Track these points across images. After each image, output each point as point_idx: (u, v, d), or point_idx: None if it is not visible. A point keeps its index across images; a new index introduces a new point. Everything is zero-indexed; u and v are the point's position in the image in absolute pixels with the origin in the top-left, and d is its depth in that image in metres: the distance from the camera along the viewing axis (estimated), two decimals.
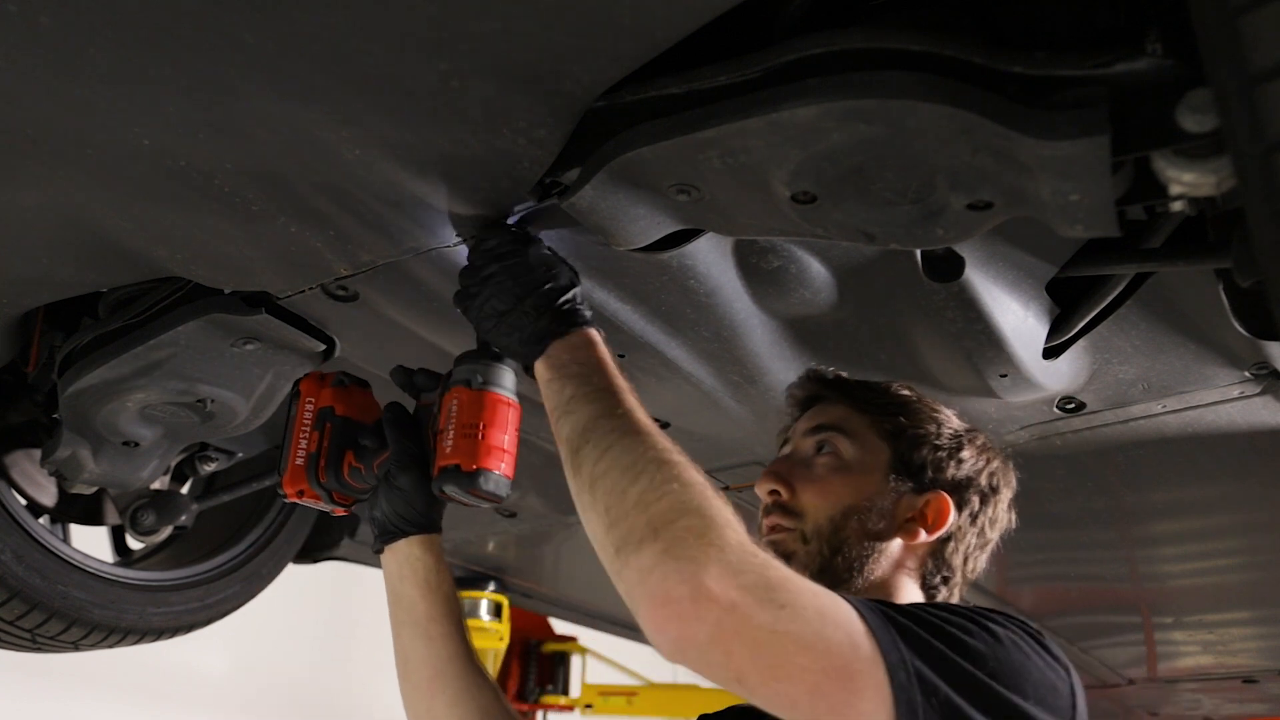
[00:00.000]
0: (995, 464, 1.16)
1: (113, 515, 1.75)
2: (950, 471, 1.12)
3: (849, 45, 0.76)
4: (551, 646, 4.55)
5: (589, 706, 4.66)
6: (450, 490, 1.08)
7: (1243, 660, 2.95)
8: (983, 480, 1.14)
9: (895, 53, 0.74)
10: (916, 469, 1.11)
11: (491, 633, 3.11)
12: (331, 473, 1.18)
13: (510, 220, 1.03)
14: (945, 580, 1.12)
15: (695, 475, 0.87)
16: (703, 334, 1.24)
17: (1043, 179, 0.74)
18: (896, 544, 1.09)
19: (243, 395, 1.35)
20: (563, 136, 0.87)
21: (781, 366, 1.33)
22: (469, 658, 1.16)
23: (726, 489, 1.76)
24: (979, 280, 1.13)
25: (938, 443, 1.13)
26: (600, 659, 4.89)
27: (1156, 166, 0.73)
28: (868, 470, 1.11)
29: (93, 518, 1.76)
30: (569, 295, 1.01)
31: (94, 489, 1.58)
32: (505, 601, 2.95)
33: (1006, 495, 1.17)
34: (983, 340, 1.20)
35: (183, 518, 1.74)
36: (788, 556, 1.08)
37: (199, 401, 1.33)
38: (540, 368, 1.00)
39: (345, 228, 1.03)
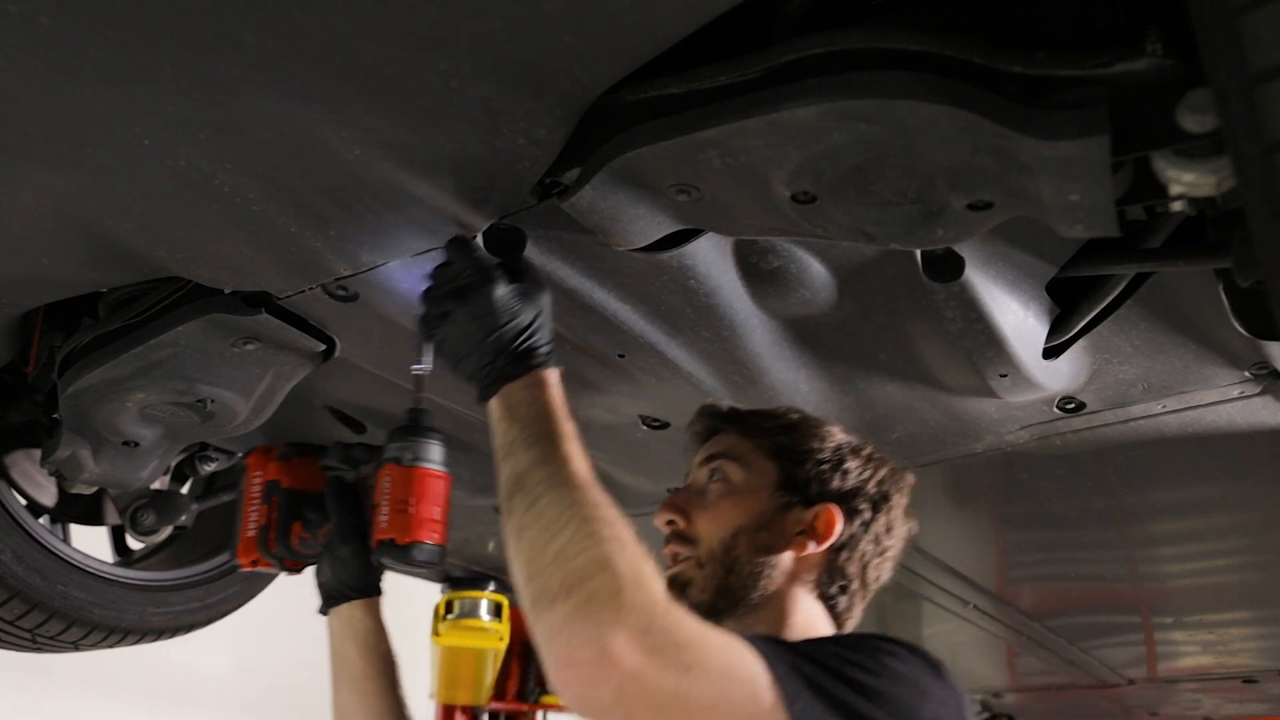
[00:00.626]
0: (883, 472, 1.20)
1: (113, 515, 1.75)
2: (836, 483, 1.16)
3: (849, 45, 0.76)
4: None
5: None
6: (386, 561, 1.18)
7: (1243, 660, 2.95)
8: (871, 488, 1.17)
9: (895, 53, 0.74)
10: (802, 484, 1.15)
11: (491, 633, 3.10)
12: (281, 543, 1.28)
13: (476, 236, 1.03)
14: (843, 589, 1.15)
15: (620, 532, 0.88)
16: (703, 334, 1.24)
17: (1043, 179, 0.74)
18: (789, 557, 1.13)
19: (243, 395, 1.35)
20: (563, 136, 0.87)
21: (781, 366, 1.33)
22: (400, 713, 1.27)
23: None
24: (979, 280, 1.13)
25: (821, 457, 1.17)
26: None
27: (1156, 166, 0.73)
28: (755, 490, 1.15)
29: (93, 518, 1.76)
30: (527, 335, 1.01)
31: (94, 489, 1.58)
32: (505, 601, 2.95)
33: (900, 501, 1.20)
34: (983, 340, 1.20)
35: (183, 518, 1.74)
36: (687, 583, 1.13)
37: (199, 401, 1.33)
38: (492, 406, 1.01)
39: (345, 228, 1.03)
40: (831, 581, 1.15)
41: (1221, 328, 1.18)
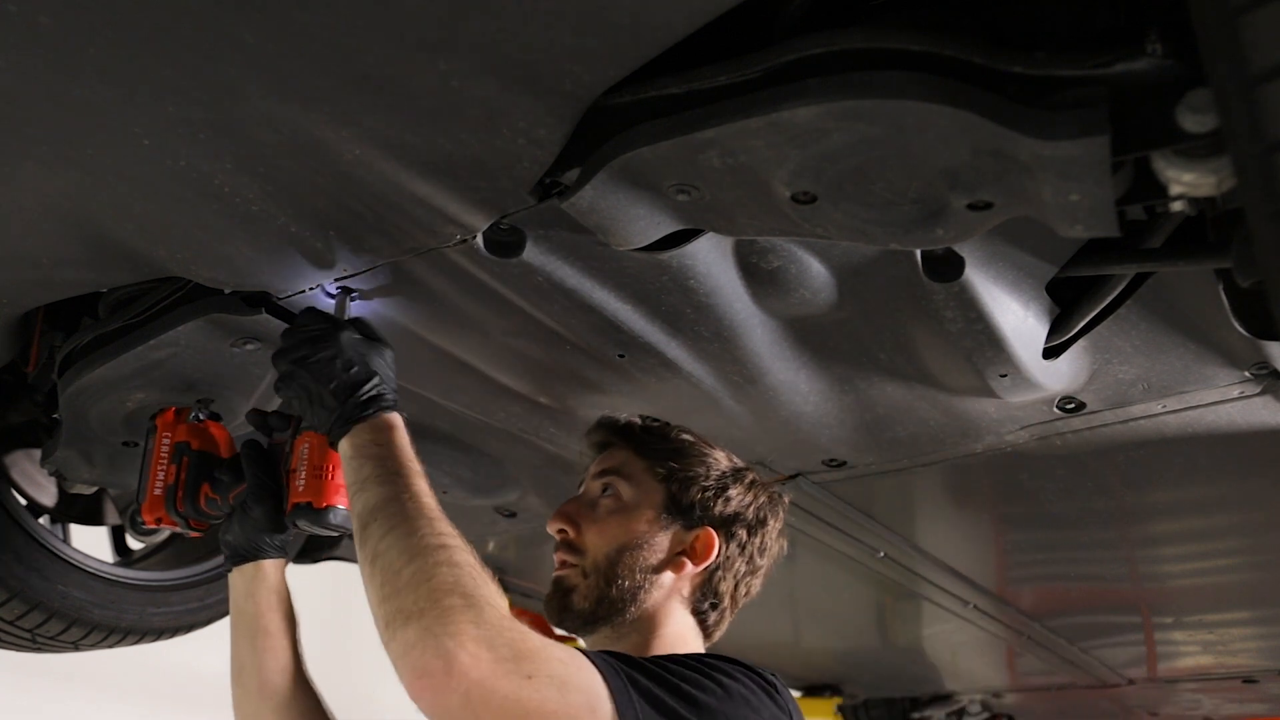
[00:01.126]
0: (762, 499, 1.29)
1: (113, 515, 1.75)
2: (718, 508, 1.25)
3: (849, 45, 0.76)
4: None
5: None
6: (302, 524, 1.22)
7: (1243, 660, 2.95)
8: (749, 514, 1.27)
9: (895, 53, 0.74)
10: (686, 508, 1.24)
11: None
12: (189, 502, 1.30)
13: (330, 286, 1.16)
14: (714, 606, 1.25)
15: (466, 557, 0.99)
16: (703, 334, 1.24)
17: (1043, 179, 0.74)
18: (668, 575, 1.22)
19: (243, 395, 1.35)
20: (563, 136, 0.87)
21: (781, 366, 1.33)
22: (298, 671, 1.29)
23: None
24: (979, 280, 1.13)
25: (705, 483, 1.26)
26: None
27: (1156, 166, 0.73)
28: (642, 509, 1.24)
29: (93, 518, 1.76)
30: (372, 383, 1.12)
31: (94, 489, 1.58)
32: (506, 601, 2.97)
33: (775, 525, 1.30)
34: (983, 340, 1.20)
35: None
36: (571, 589, 1.23)
37: (199, 401, 1.33)
38: (343, 445, 1.11)
39: (345, 228, 1.03)
40: (704, 599, 1.24)
41: (1221, 328, 1.18)
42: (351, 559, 2.36)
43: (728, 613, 1.27)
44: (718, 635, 1.28)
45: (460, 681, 0.89)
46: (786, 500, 1.35)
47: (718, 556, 1.24)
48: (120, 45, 0.77)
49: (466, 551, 1.00)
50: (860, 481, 1.70)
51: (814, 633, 3.03)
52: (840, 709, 4.06)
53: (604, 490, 1.26)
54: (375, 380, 1.12)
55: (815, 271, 1.15)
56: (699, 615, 1.25)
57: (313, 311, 1.16)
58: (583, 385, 1.39)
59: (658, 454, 1.27)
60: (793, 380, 1.36)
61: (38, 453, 1.59)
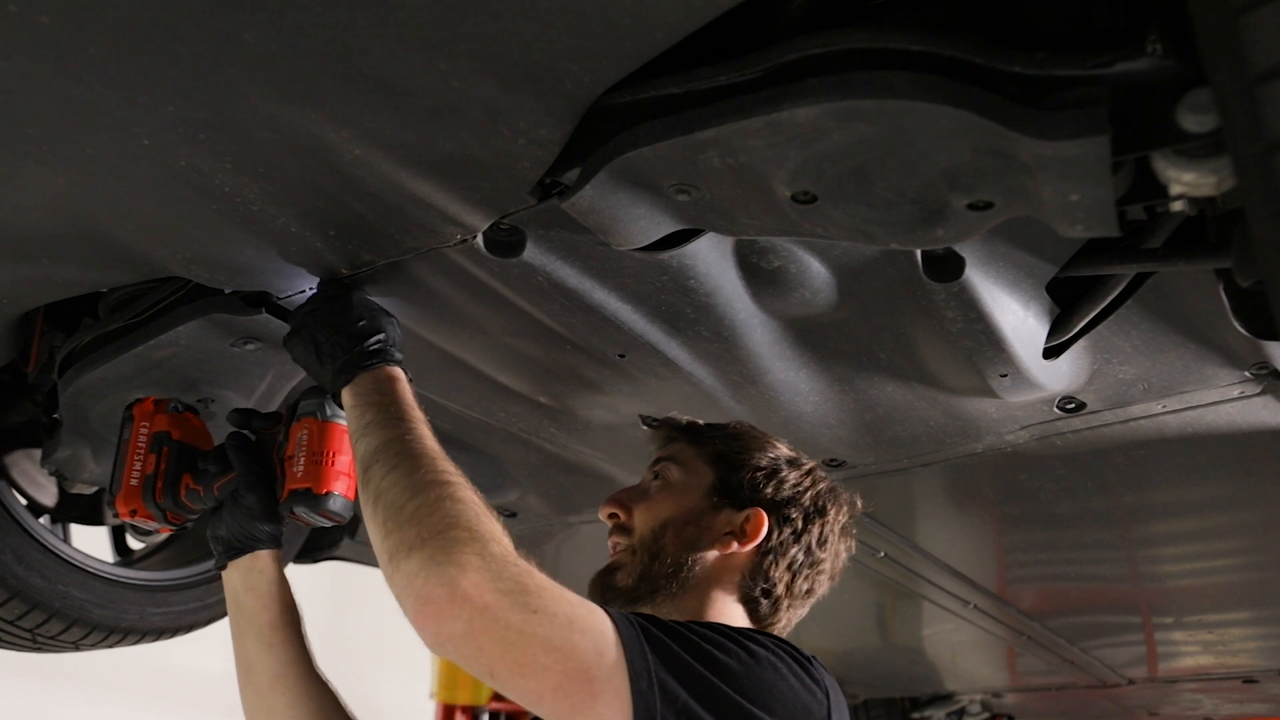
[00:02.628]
0: (822, 487, 1.27)
1: (113, 515, 1.75)
2: (769, 491, 1.24)
3: (849, 45, 0.76)
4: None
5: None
6: (300, 511, 1.20)
7: (1243, 660, 2.95)
8: (806, 500, 1.25)
9: (895, 53, 0.74)
10: (735, 488, 1.24)
11: None
12: (169, 494, 1.25)
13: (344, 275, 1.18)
14: (766, 593, 1.22)
15: (469, 495, 0.99)
16: (703, 334, 1.24)
17: (1043, 179, 0.74)
18: (714, 554, 1.21)
19: (243, 395, 1.35)
20: (563, 136, 0.87)
21: (781, 366, 1.33)
22: (308, 663, 1.24)
23: None
24: (979, 280, 1.13)
25: (757, 464, 1.25)
26: None
27: (1156, 166, 0.73)
28: (689, 490, 1.25)
29: (93, 518, 1.76)
30: (378, 336, 1.13)
31: (94, 489, 1.58)
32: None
33: (838, 518, 1.28)
34: (983, 340, 1.20)
35: None
36: (618, 568, 1.24)
37: (199, 401, 1.33)
38: (346, 394, 1.11)
39: (345, 228, 1.03)
40: (755, 584, 1.21)
41: (1221, 328, 1.18)
42: (352, 559, 2.36)
43: (784, 605, 1.24)
44: (777, 630, 1.24)
45: (463, 609, 0.89)
46: (858, 503, 1.33)
47: (768, 539, 1.22)
48: (120, 45, 0.77)
49: (469, 489, 1.00)
50: (860, 481, 1.70)
51: (814, 633, 3.03)
52: None
53: (655, 475, 1.28)
54: (381, 335, 1.13)
55: (815, 271, 1.15)
56: (749, 603, 1.22)
57: (329, 279, 1.18)
58: (583, 385, 1.39)
59: (710, 440, 1.29)
60: (793, 380, 1.36)
61: (38, 453, 1.59)
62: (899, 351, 1.29)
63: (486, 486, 1.83)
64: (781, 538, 1.23)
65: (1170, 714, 4.00)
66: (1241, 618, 2.54)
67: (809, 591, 1.26)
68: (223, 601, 1.90)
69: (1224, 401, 1.35)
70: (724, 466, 1.26)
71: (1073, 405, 1.38)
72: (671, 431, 1.32)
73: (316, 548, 2.18)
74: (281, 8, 0.73)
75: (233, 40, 0.76)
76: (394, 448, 1.03)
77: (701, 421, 1.33)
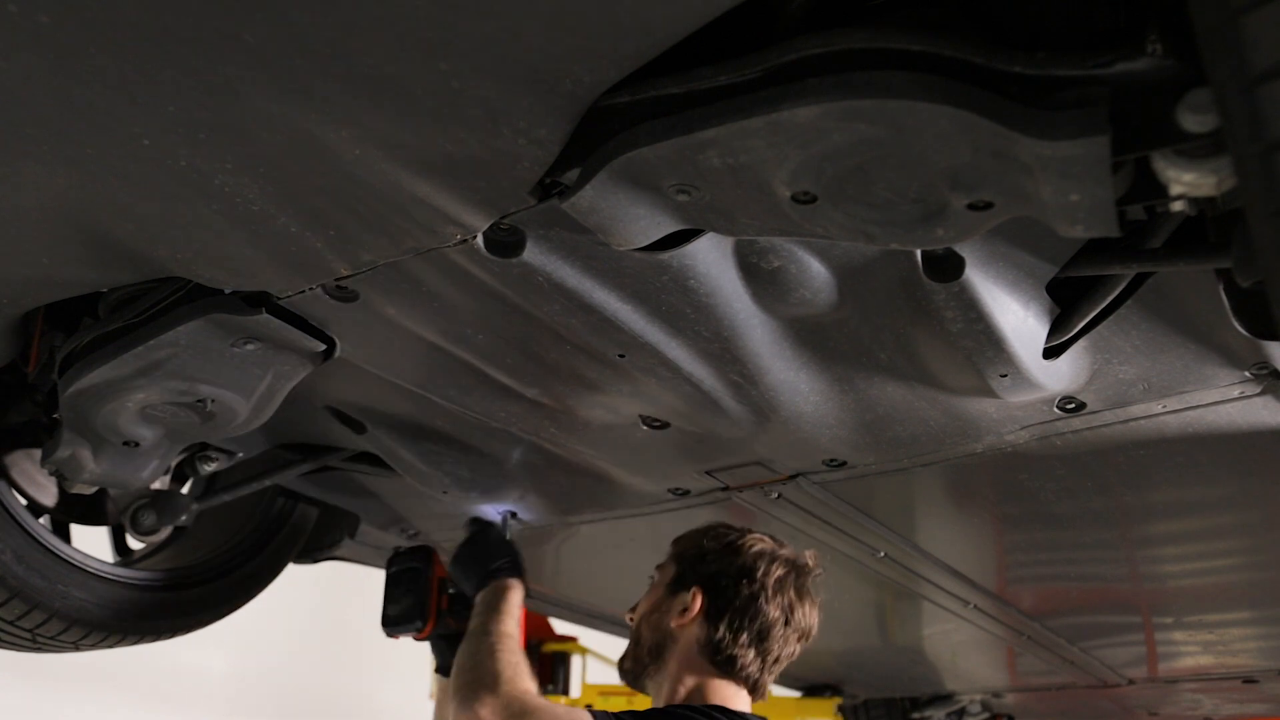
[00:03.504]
0: (750, 551, 1.60)
1: (113, 515, 1.75)
2: (701, 569, 1.61)
3: (849, 45, 0.76)
4: (552, 646, 4.55)
5: (589, 707, 4.66)
6: None
7: (1243, 660, 2.95)
8: (731, 569, 1.58)
9: (895, 53, 0.74)
10: (683, 576, 1.62)
11: None
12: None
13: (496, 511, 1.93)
14: (720, 650, 1.56)
15: (507, 658, 1.58)
16: (703, 334, 1.24)
17: (1043, 179, 0.74)
18: (673, 629, 1.60)
19: (243, 395, 1.35)
20: (563, 136, 0.87)
21: (781, 366, 1.33)
22: None
23: (726, 489, 1.76)
24: (979, 280, 1.13)
25: (697, 552, 1.63)
26: (600, 659, 4.89)
27: (1157, 166, 0.73)
28: (661, 586, 1.67)
29: (93, 518, 1.76)
30: (498, 564, 1.81)
31: (94, 489, 1.58)
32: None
33: (769, 574, 1.59)
34: (983, 340, 1.20)
35: (183, 518, 1.74)
36: (625, 655, 1.69)
37: (199, 401, 1.33)
38: (477, 599, 1.78)
39: (345, 228, 1.03)
40: (710, 646, 1.56)
41: (1221, 328, 1.18)
42: (352, 559, 2.36)
43: (742, 657, 1.55)
44: (762, 688, 1.60)
45: None
46: (804, 557, 1.64)
47: (706, 608, 1.57)
48: (121, 45, 0.77)
49: (510, 655, 1.58)
50: (860, 481, 1.70)
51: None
52: (840, 709, 4.06)
53: (649, 583, 1.72)
54: (503, 561, 1.80)
55: (815, 271, 1.15)
56: (713, 663, 1.56)
57: (478, 520, 1.91)
58: (583, 385, 1.39)
59: (681, 543, 1.68)
60: (793, 380, 1.36)
61: (38, 453, 1.59)
62: (899, 351, 1.29)
63: (487, 486, 1.83)
64: (718, 604, 1.56)
65: (1170, 714, 4.00)
66: (1241, 618, 2.55)
67: (760, 639, 1.56)
68: (222, 601, 1.91)
69: (1224, 401, 1.35)
70: (680, 562, 1.65)
71: (1073, 405, 1.38)
72: (671, 544, 1.73)
73: (317, 548, 2.18)
74: (281, 8, 0.73)
75: (233, 40, 0.76)
76: (475, 634, 1.66)
77: (693, 531, 1.70)
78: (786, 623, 1.58)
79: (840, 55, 0.76)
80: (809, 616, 1.63)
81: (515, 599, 1.72)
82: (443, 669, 1.91)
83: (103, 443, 1.40)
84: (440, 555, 2.01)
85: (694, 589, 1.58)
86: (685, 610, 1.58)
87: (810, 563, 1.65)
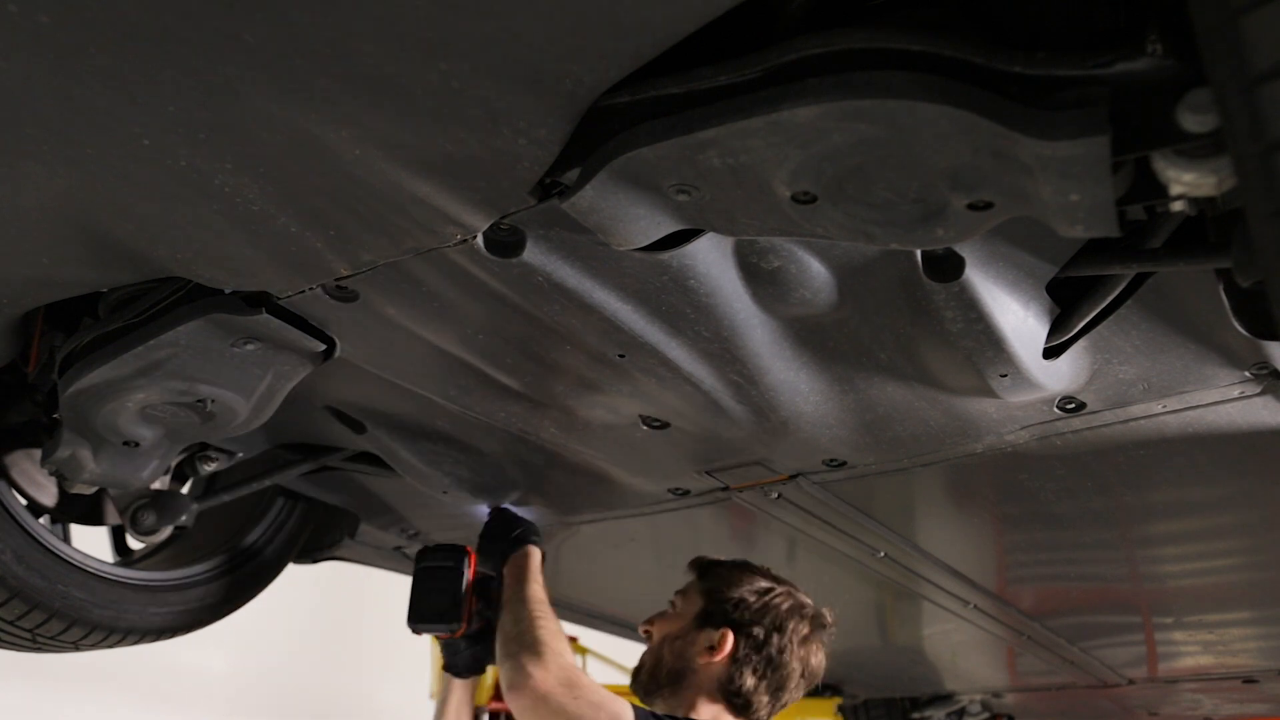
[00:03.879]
0: (783, 608, 1.73)
1: (113, 515, 1.75)
2: (736, 615, 1.71)
3: (849, 45, 0.76)
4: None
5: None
6: None
7: (1243, 660, 2.95)
8: (766, 620, 1.70)
9: (895, 53, 0.74)
10: (713, 614, 1.72)
11: None
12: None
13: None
14: (737, 693, 1.67)
15: (549, 627, 1.66)
16: (703, 334, 1.24)
17: (1043, 179, 0.74)
18: (698, 663, 1.70)
19: (243, 395, 1.35)
20: (563, 136, 0.87)
21: (781, 366, 1.33)
22: None
23: (726, 489, 1.76)
24: (979, 280, 1.13)
25: (730, 595, 1.72)
26: (600, 659, 4.89)
27: (1157, 166, 0.73)
28: (685, 615, 1.77)
29: (93, 518, 1.76)
30: (518, 532, 1.87)
31: (94, 489, 1.58)
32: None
33: (797, 631, 1.72)
34: (983, 340, 1.20)
35: (183, 518, 1.74)
36: (640, 667, 1.79)
37: (199, 401, 1.33)
38: (505, 570, 1.84)
39: (345, 228, 1.03)
40: (729, 686, 1.68)
41: (1221, 328, 1.18)
42: (352, 559, 2.36)
43: (756, 702, 1.67)
44: (762, 716, 1.70)
45: (530, 691, 1.54)
46: (825, 614, 1.77)
47: (735, 651, 1.68)
48: (121, 45, 0.77)
49: (550, 623, 1.66)
50: (860, 481, 1.70)
51: None
52: (840, 709, 4.06)
53: (670, 604, 1.82)
54: (521, 528, 1.87)
55: (815, 271, 1.15)
56: (726, 700, 1.68)
57: (495, 508, 1.95)
58: (583, 385, 1.39)
59: (709, 578, 1.79)
60: (793, 380, 1.36)
61: (38, 453, 1.59)
62: (899, 351, 1.29)
63: (487, 486, 1.83)
64: (746, 650, 1.68)
65: (1170, 714, 4.00)
66: (1241, 618, 2.55)
67: (778, 689, 1.69)
68: (222, 601, 1.91)
69: (1224, 401, 1.35)
70: (709, 598, 1.74)
71: (1073, 405, 1.38)
72: (690, 569, 1.84)
73: (317, 548, 2.18)
74: (281, 8, 0.73)
75: (233, 40, 0.76)
76: (514, 600, 1.72)
77: (714, 559, 1.83)
78: (802, 674, 1.72)
79: (840, 55, 0.76)
80: (819, 666, 1.77)
81: (538, 562, 1.80)
82: (454, 668, 1.90)
83: (103, 443, 1.40)
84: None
85: (724, 630, 1.68)
86: (713, 648, 1.68)
87: (829, 619, 1.79)
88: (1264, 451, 1.47)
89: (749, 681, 1.67)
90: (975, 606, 2.49)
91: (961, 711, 4.05)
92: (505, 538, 1.86)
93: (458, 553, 1.86)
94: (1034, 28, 0.76)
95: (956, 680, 3.74)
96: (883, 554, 2.12)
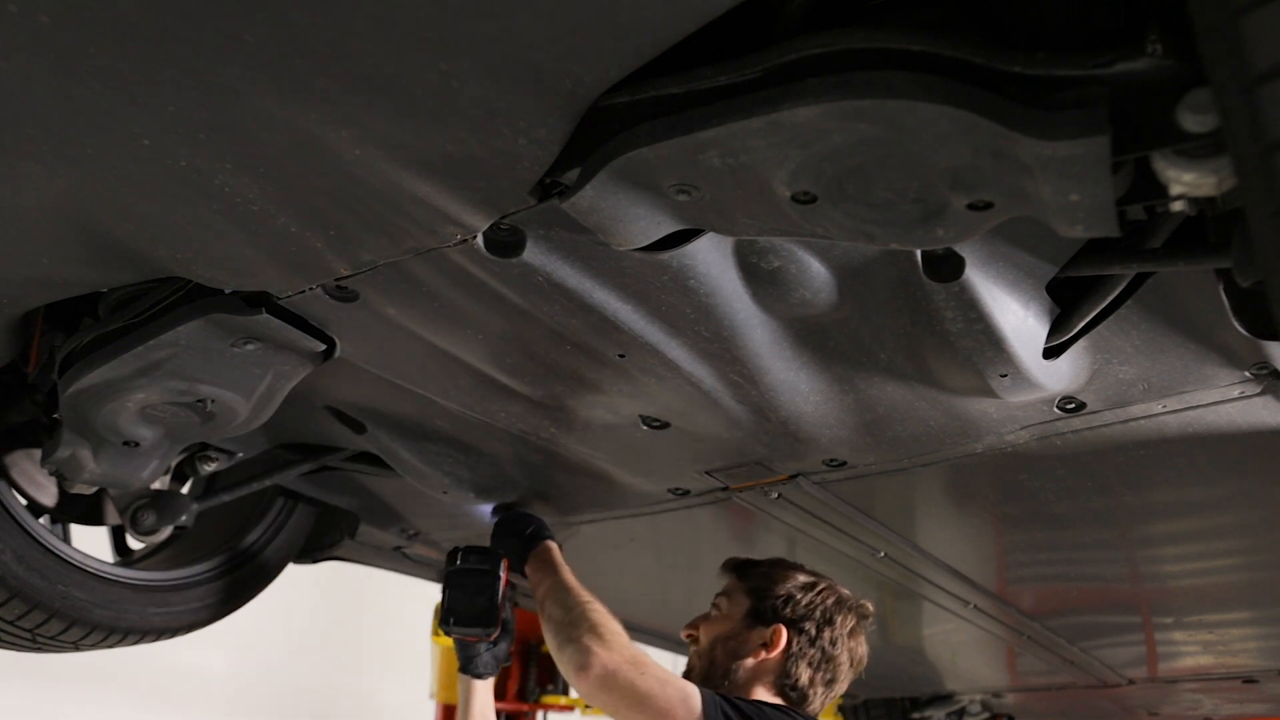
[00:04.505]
0: (830, 602, 1.75)
1: (113, 515, 1.75)
2: (787, 611, 1.73)
3: (849, 45, 0.76)
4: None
5: (589, 706, 4.65)
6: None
7: (1243, 660, 2.95)
8: (816, 614, 1.73)
9: (895, 53, 0.74)
10: (763, 612, 1.75)
11: None
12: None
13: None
14: (793, 687, 1.70)
15: (600, 609, 1.67)
16: (703, 334, 1.24)
17: (1043, 179, 0.74)
18: (750, 661, 1.72)
19: (243, 395, 1.35)
20: (563, 136, 0.87)
21: (781, 366, 1.33)
22: None
23: (726, 489, 1.76)
24: (979, 280, 1.13)
25: (779, 592, 1.75)
26: None
27: (1157, 166, 0.73)
28: (732, 616, 1.78)
29: (93, 518, 1.76)
30: (531, 529, 1.88)
31: (94, 489, 1.58)
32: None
33: (845, 623, 1.75)
34: (983, 340, 1.20)
35: (183, 518, 1.74)
36: (690, 670, 1.81)
37: (199, 401, 1.33)
38: (528, 568, 1.85)
39: (345, 228, 1.03)
40: (784, 681, 1.71)
41: (1221, 328, 1.18)
42: (352, 559, 2.36)
43: (810, 694, 1.71)
44: (812, 710, 1.72)
45: (596, 672, 1.54)
46: (868, 606, 1.81)
47: (789, 647, 1.70)
48: (121, 45, 0.77)
49: (600, 606, 1.67)
50: (860, 481, 1.70)
51: None
52: (840, 709, 4.06)
53: (714, 607, 1.83)
54: (536, 525, 1.89)
55: (815, 271, 1.15)
56: (781, 694, 1.70)
57: (498, 506, 1.96)
58: (583, 385, 1.39)
59: (750, 576, 1.81)
60: (793, 380, 1.36)
61: (38, 453, 1.59)
62: (899, 351, 1.29)
63: (487, 486, 1.83)
64: (799, 645, 1.71)
65: (1170, 714, 4.00)
66: (1241, 618, 2.55)
67: (831, 680, 1.73)
68: (222, 601, 1.91)
69: (1224, 401, 1.35)
70: (756, 596, 1.76)
71: (1073, 405, 1.38)
72: (727, 571, 1.87)
73: (317, 547, 2.18)
74: (281, 8, 0.73)
75: (233, 40, 0.76)
76: (555, 588, 1.74)
77: (751, 559, 1.86)
78: (850, 665, 1.76)
79: (840, 55, 0.76)
80: (865, 656, 1.81)
81: (559, 555, 1.83)
82: (475, 670, 1.92)
83: (103, 443, 1.40)
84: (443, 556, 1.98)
85: (776, 627, 1.71)
86: (766, 646, 1.71)
87: (871, 609, 1.83)
88: (1264, 451, 1.47)
89: (804, 676, 1.69)
90: (975, 606, 2.49)
91: (961, 711, 4.05)
92: (521, 535, 1.86)
93: (494, 557, 1.85)
94: (1034, 28, 0.76)
95: (956, 680, 3.74)
96: (883, 554, 2.12)
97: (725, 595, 1.82)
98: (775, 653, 1.70)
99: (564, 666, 1.61)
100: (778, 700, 1.69)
